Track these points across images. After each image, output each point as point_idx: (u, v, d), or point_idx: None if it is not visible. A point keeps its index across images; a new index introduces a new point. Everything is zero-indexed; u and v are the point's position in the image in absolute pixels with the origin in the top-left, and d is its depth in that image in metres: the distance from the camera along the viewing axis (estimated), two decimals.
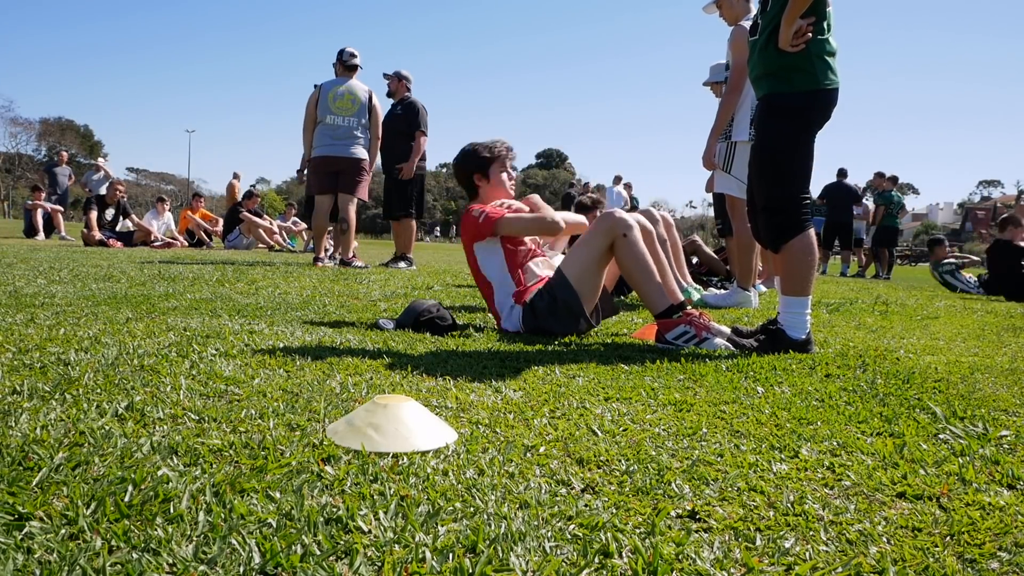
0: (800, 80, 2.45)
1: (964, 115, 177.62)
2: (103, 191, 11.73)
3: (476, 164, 3.04)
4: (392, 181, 7.02)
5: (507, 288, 2.91)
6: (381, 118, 6.57)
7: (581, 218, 3.23)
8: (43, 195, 12.44)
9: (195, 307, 3.13)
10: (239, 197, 14.07)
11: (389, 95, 7.12)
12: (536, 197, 3.06)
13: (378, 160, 6.89)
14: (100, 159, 15.06)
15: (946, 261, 8.49)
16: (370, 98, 6.45)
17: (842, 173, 12.43)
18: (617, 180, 15.05)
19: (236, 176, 14.71)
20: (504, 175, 3.05)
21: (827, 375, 2.13)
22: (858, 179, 13.18)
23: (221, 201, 14.68)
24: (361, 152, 6.40)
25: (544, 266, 3.05)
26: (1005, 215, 7.90)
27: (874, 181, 12.63)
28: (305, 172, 6.82)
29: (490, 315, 3.38)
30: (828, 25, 2.47)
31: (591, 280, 2.77)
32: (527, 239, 3.00)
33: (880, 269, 12.56)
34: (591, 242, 2.75)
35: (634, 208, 12.55)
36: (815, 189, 8.47)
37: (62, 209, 12.99)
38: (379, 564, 0.87)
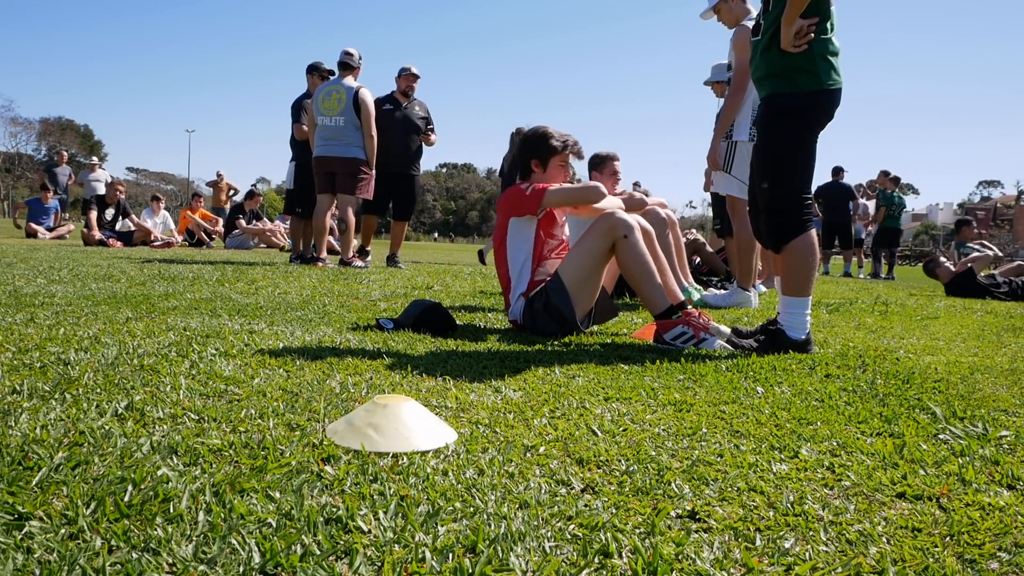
0: (803, 80, 2.45)
1: (964, 115, 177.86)
2: (101, 190, 11.75)
3: (538, 150, 3.01)
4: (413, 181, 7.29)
5: (524, 274, 2.89)
6: (373, 114, 6.31)
7: (640, 199, 3.55)
8: (51, 195, 12.48)
9: (195, 307, 3.13)
10: (230, 194, 14.11)
11: (404, 93, 7.16)
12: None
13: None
14: (94, 157, 15.16)
15: (971, 244, 8.36)
16: (355, 95, 6.21)
17: (837, 172, 12.12)
18: None
19: (220, 175, 14.70)
20: (561, 169, 3.03)
21: (827, 375, 2.13)
22: (861, 178, 12.97)
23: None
24: (353, 151, 6.26)
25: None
26: None
27: (879, 180, 12.53)
28: None
29: (490, 315, 3.38)
30: (831, 25, 2.46)
31: (589, 284, 2.75)
32: (560, 229, 3.02)
33: (878, 269, 12.55)
34: (591, 243, 2.73)
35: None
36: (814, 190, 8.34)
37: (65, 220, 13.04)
38: (379, 564, 0.87)
